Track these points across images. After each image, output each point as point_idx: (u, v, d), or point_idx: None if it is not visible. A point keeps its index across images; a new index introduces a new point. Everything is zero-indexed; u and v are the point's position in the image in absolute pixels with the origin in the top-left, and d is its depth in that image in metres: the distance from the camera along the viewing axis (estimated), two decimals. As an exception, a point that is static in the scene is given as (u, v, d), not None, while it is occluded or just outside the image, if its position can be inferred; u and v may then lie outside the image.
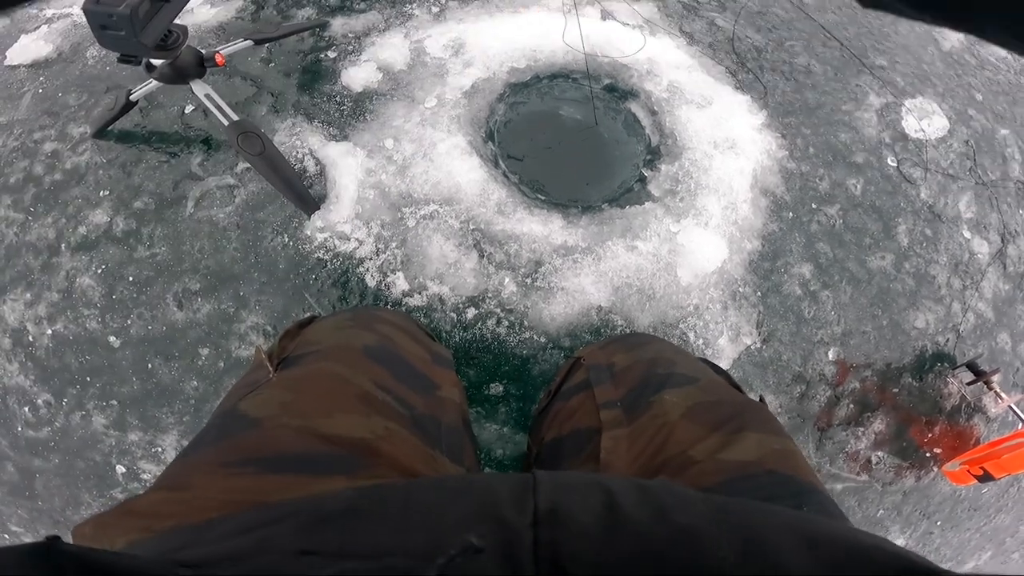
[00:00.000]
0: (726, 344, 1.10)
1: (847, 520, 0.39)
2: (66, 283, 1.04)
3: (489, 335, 1.01)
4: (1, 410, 1.02)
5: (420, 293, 1.00)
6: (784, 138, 1.20)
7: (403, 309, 1.00)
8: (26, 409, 1.01)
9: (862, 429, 1.13)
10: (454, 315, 1.00)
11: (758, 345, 1.11)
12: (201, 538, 0.27)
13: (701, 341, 1.09)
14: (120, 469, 0.97)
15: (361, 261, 1.01)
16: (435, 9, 1.21)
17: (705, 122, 1.13)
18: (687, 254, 1.06)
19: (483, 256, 1.02)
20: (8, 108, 1.24)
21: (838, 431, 1.12)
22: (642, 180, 1.11)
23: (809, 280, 1.14)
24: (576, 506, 0.25)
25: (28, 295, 1.04)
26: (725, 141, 1.12)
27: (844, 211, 1.19)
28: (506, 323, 1.01)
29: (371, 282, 1.00)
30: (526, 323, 1.02)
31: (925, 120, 1.31)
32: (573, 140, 1.13)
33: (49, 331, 1.02)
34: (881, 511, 1.16)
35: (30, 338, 1.03)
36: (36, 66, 1.30)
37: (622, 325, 1.05)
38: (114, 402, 0.98)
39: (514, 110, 1.14)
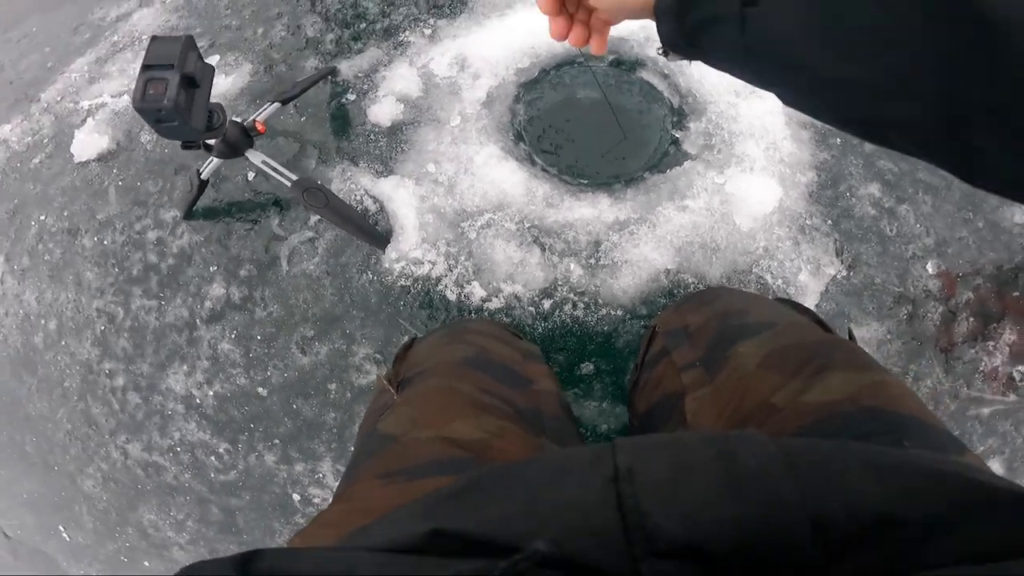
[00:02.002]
0: (808, 279, 1.15)
1: (965, 452, 0.40)
2: (210, 351, 1.30)
3: (569, 319, 1.15)
4: (194, 462, 1.33)
5: (497, 296, 1.16)
6: None
7: (485, 314, 1.16)
8: (212, 458, 1.31)
9: (992, 343, 1.10)
10: (532, 309, 1.16)
11: (844, 273, 1.14)
12: (365, 534, 0.33)
13: (780, 281, 1.14)
14: (296, 497, 1.25)
15: (438, 279, 1.18)
16: (427, 31, 1.28)
17: (717, 74, 1.14)
18: (739, 201, 1.12)
19: (544, 249, 1.15)
20: (102, 205, 1.48)
21: (965, 349, 1.11)
22: (675, 142, 1.17)
23: (880, 198, 1.16)
24: (649, 463, 0.28)
25: (184, 367, 1.32)
26: (744, 87, 1.13)
27: None
28: (582, 305, 1.15)
29: (452, 296, 1.17)
30: (600, 301, 1.15)
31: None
32: (596, 120, 1.19)
33: (211, 393, 1.30)
34: (1044, 430, 1.14)
35: (197, 401, 1.31)
36: (103, 159, 1.51)
37: (694, 282, 1.15)
38: (276, 441, 1.25)
39: (533, 107, 1.21)
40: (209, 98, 0.95)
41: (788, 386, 0.46)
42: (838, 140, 1.18)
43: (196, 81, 0.88)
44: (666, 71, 1.20)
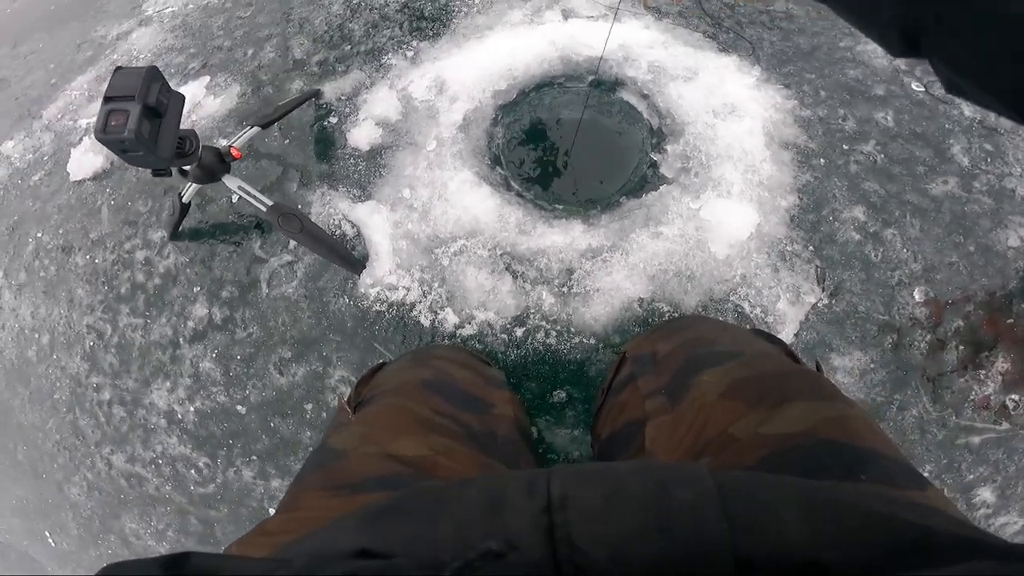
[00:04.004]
0: (787, 307, 1.16)
1: (926, 486, 0.40)
2: (192, 369, 1.37)
3: (541, 347, 1.19)
4: (175, 475, 1.40)
5: (470, 323, 1.20)
6: (788, 88, 1.22)
7: (458, 340, 1.21)
8: (192, 471, 1.38)
9: (983, 371, 1.10)
10: (505, 336, 1.20)
11: (825, 301, 1.16)
12: (301, 545, 0.35)
13: (758, 310, 1.16)
14: (272, 511, 1.31)
15: (412, 305, 1.23)
16: (409, 54, 1.34)
17: (697, 93, 1.18)
18: (714, 227, 1.15)
19: (516, 277, 1.19)
20: (94, 223, 1.57)
21: (954, 378, 1.11)
22: (654, 165, 1.20)
23: (865, 222, 1.17)
24: (585, 491, 0.29)
25: (168, 383, 1.39)
26: (724, 107, 1.17)
27: (882, 145, 1.19)
28: (554, 333, 1.19)
29: (425, 322, 1.22)
30: (572, 329, 1.19)
31: (935, 41, 1.24)
32: (576, 142, 1.23)
33: (191, 409, 1.37)
34: (1039, 458, 1.15)
35: (179, 416, 1.38)
36: (98, 178, 1.60)
37: (669, 311, 1.18)
38: (254, 457, 1.32)
39: (512, 129, 1.25)
40: (178, 126, 0.98)
41: (748, 416, 0.47)
42: (821, 161, 1.20)
43: (159, 112, 0.91)
44: (645, 91, 1.23)
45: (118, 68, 0.89)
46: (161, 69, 1.49)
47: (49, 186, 1.64)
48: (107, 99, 0.87)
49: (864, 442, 0.42)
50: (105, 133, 0.86)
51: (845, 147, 1.20)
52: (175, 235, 1.41)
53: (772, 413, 0.47)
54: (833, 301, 1.16)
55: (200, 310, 1.37)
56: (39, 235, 1.60)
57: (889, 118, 1.21)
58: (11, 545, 1.68)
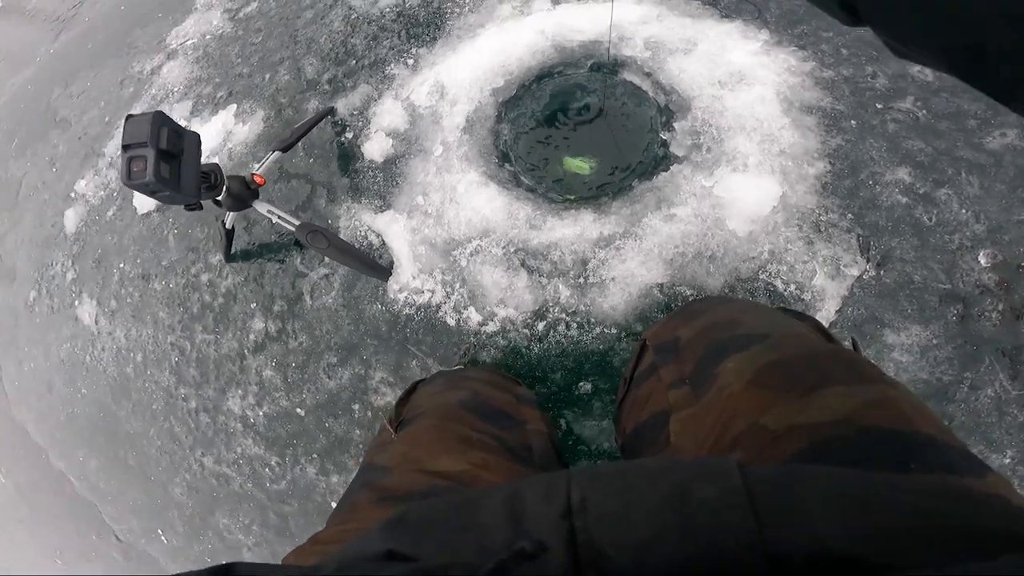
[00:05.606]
0: (825, 282, 1.12)
1: (986, 473, 0.37)
2: (257, 377, 1.55)
3: (563, 339, 1.24)
4: (253, 473, 1.60)
5: (492, 320, 1.27)
6: (804, 49, 1.15)
7: (482, 336, 1.29)
8: (266, 470, 1.58)
9: None
10: (527, 331, 1.26)
11: (872, 272, 1.10)
12: (346, 552, 0.36)
13: (792, 287, 1.13)
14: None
15: (438, 307, 1.32)
16: (410, 61, 1.40)
17: (698, 65, 1.15)
18: (730, 204, 1.13)
19: (531, 272, 1.24)
20: (165, 252, 1.79)
21: None
22: (665, 145, 1.19)
23: (912, 183, 1.10)
24: (603, 493, 0.29)
25: (240, 391, 1.58)
26: (730, 76, 1.13)
27: (922, 101, 1.11)
28: (575, 325, 1.23)
29: (451, 322, 1.31)
30: (592, 320, 1.22)
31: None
32: (585, 128, 1.24)
33: (260, 413, 1.56)
34: None
35: (251, 420, 1.58)
36: (160, 210, 1.82)
37: (692, 294, 1.18)
38: (315, 456, 1.48)
39: (517, 125, 1.28)
40: (199, 162, 1.05)
41: (780, 405, 0.45)
42: (852, 123, 1.14)
43: (174, 153, 0.98)
44: (647, 68, 1.22)
45: (129, 116, 0.97)
46: (194, 101, 1.66)
47: (122, 220, 1.89)
48: (125, 147, 0.94)
49: (912, 426, 0.40)
50: (131, 179, 0.94)
51: (879, 106, 1.12)
52: (229, 257, 1.59)
53: (806, 401, 0.44)
54: (882, 272, 1.10)
55: (258, 324, 1.54)
56: (121, 266, 1.85)
57: (927, 72, 1.12)
58: (131, 544, 2.00)
